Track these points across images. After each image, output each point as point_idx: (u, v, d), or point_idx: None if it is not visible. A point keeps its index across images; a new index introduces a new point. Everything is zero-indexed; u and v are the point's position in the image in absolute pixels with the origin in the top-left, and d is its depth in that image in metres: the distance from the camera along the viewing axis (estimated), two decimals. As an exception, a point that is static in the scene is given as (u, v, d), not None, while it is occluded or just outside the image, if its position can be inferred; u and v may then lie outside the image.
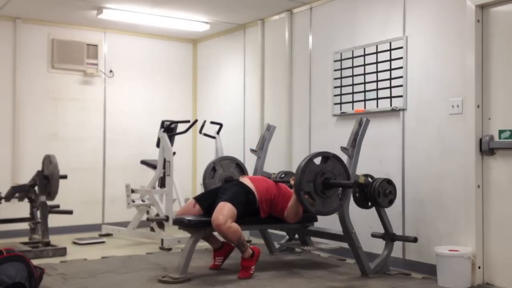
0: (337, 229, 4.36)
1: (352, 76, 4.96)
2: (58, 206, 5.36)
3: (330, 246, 4.76)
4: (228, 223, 3.98)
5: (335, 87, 5.13)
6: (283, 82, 5.80)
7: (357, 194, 4.31)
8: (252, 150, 5.22)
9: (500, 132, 3.85)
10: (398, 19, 4.56)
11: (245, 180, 4.45)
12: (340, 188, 4.02)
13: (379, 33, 4.73)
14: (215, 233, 4.24)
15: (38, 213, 5.21)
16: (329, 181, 3.92)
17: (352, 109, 4.94)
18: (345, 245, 4.36)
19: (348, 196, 4.10)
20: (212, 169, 5.07)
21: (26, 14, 6.08)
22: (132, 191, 5.81)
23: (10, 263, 3.40)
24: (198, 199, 4.42)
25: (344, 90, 5.03)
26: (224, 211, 4.01)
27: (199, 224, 4.14)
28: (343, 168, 4.02)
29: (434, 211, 4.23)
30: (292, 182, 4.22)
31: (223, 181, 5.03)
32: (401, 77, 4.50)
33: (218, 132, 6.12)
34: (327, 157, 4.00)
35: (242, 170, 5.20)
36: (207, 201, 4.33)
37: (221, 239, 4.31)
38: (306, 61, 5.55)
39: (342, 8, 5.13)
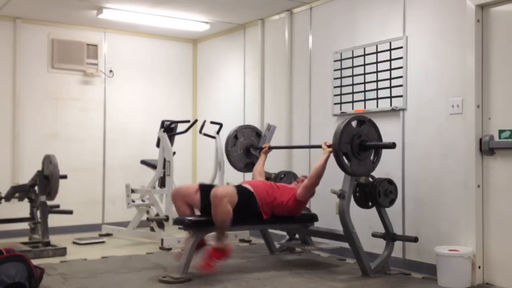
0: (338, 229, 4.36)
1: (352, 76, 4.96)
2: (58, 206, 5.36)
3: (330, 246, 4.77)
4: (225, 200, 3.99)
5: (335, 87, 5.13)
6: (283, 82, 5.80)
7: (357, 194, 4.31)
8: (253, 150, 5.23)
9: (500, 132, 3.86)
10: (398, 19, 4.56)
11: (245, 184, 4.46)
12: (373, 151, 4.17)
13: (379, 33, 4.73)
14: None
15: (38, 213, 5.20)
16: (366, 143, 4.08)
17: (352, 109, 4.94)
18: (345, 245, 4.36)
19: (379, 159, 4.22)
20: (234, 137, 5.18)
21: (26, 14, 6.08)
22: (132, 191, 5.81)
23: (10, 263, 3.40)
24: (202, 189, 4.28)
25: (344, 90, 5.03)
26: (226, 188, 4.09)
27: (200, 224, 4.15)
28: (376, 133, 4.19)
29: (434, 211, 4.23)
30: (324, 146, 4.37)
31: (244, 149, 5.19)
32: (401, 77, 4.50)
33: (218, 132, 6.11)
34: (362, 121, 4.16)
35: (261, 138, 5.31)
36: (208, 198, 4.09)
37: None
38: (306, 61, 5.56)
39: (342, 8, 5.14)
